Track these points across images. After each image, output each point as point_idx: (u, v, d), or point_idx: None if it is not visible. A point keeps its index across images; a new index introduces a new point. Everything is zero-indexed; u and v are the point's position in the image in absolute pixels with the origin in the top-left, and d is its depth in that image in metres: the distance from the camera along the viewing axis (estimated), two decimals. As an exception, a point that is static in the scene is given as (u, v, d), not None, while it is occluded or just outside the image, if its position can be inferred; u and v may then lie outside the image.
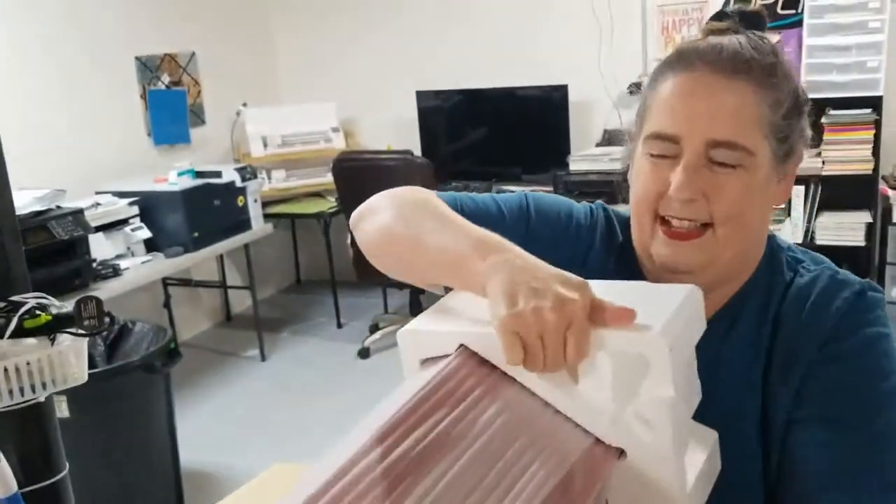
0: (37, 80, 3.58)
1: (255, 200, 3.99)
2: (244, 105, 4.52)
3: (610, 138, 4.19)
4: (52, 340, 0.90)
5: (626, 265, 0.93)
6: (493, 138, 4.42)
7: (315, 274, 5.14)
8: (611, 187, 3.88)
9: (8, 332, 0.87)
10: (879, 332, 0.84)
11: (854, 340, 0.83)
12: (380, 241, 0.84)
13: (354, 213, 0.90)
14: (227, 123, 4.61)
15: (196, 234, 3.64)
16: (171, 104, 4.29)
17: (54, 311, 0.90)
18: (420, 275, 0.80)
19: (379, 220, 0.85)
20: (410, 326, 0.70)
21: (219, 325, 4.70)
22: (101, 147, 3.88)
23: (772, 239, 0.92)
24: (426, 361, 0.69)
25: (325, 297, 4.66)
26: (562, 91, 4.15)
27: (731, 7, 0.89)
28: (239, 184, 3.86)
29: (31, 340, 0.89)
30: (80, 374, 0.92)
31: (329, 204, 4.35)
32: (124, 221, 3.53)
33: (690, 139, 0.81)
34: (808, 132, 0.89)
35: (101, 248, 3.35)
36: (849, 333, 0.83)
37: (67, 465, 0.99)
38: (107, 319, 0.86)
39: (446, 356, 0.67)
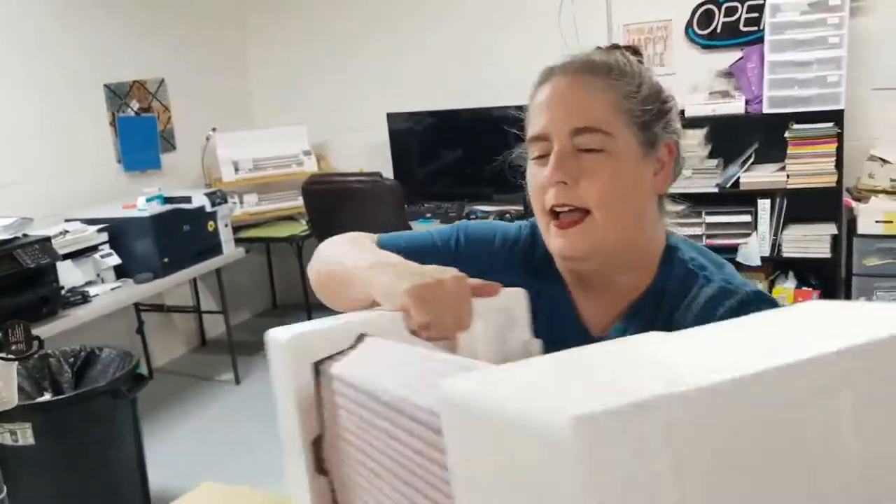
0: (5, 107, 3.57)
1: (226, 225, 3.99)
2: (213, 130, 4.52)
3: (580, 156, 4.24)
4: (-13, 363, 0.90)
5: (548, 271, 1.01)
6: (465, 159, 4.45)
7: (291, 297, 5.13)
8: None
9: (-61, 354, 0.87)
10: None
11: None
12: (315, 284, 0.98)
13: (309, 266, 1.02)
14: (199, 149, 4.61)
15: (166, 260, 3.63)
16: (141, 130, 4.29)
17: (-13, 333, 0.90)
18: (346, 302, 0.87)
19: (318, 260, 0.99)
20: (295, 331, 0.71)
21: (194, 349, 4.67)
22: (71, 174, 3.87)
23: (672, 250, 0.98)
24: (322, 362, 0.69)
25: (300, 319, 4.59)
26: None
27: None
28: (209, 209, 3.85)
29: (-38, 363, 0.89)
30: (9, 398, 0.91)
31: (301, 227, 4.35)
32: (93, 248, 3.51)
33: (556, 133, 0.91)
34: (677, 126, 0.97)
35: (70, 275, 3.33)
36: None
37: (5, 488, 0.98)
38: (35, 343, 0.84)
39: (343, 351, 0.69)
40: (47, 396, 2.71)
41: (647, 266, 0.97)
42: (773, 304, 0.94)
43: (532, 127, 0.94)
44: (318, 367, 0.69)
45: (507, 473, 0.43)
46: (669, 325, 0.93)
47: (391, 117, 4.51)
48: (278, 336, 0.72)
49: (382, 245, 0.99)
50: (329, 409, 0.69)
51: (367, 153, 4.67)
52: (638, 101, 0.92)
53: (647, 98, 0.93)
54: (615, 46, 0.99)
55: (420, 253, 0.95)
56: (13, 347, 0.89)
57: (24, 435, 2.33)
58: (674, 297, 0.95)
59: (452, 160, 4.49)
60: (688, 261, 0.97)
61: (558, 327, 0.94)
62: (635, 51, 0.99)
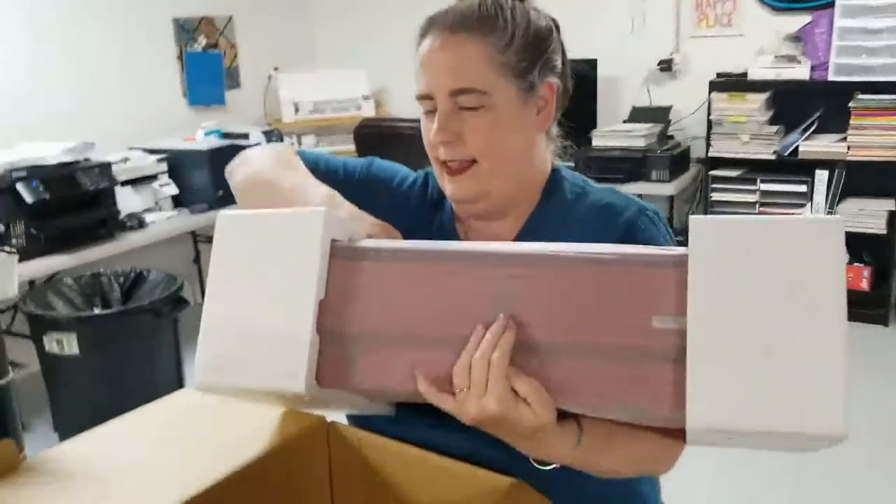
0: (78, 39, 3.73)
1: (281, 163, 4.09)
2: (275, 69, 4.61)
3: (638, 115, 4.17)
4: (-13, 256, 0.99)
5: (441, 210, 1.09)
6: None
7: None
8: (633, 164, 3.88)
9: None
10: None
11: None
12: (245, 186, 1.05)
13: (229, 165, 1.12)
14: (262, 87, 4.72)
15: (220, 193, 3.76)
16: (207, 66, 4.41)
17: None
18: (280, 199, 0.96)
19: (247, 168, 1.07)
20: (321, 210, 0.83)
21: (247, 283, 4.84)
22: (138, 105, 4.02)
23: (557, 171, 1.05)
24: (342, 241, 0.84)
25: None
26: (591, 66, 4.14)
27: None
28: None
29: (-36, 253, 0.98)
30: (8, 288, 1.00)
31: (355, 170, 4.43)
32: (153, 177, 3.67)
33: (438, 93, 0.95)
34: (557, 63, 1.00)
35: (128, 200, 3.49)
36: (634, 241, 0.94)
37: (11, 372, 1.08)
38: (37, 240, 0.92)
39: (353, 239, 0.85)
40: (96, 311, 2.88)
41: (533, 195, 1.03)
42: (661, 221, 1.00)
43: (418, 86, 0.98)
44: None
45: None
46: (554, 238, 0.98)
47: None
48: (310, 211, 0.83)
49: (302, 157, 1.08)
50: (346, 277, 0.81)
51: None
52: (512, 52, 0.95)
53: (521, 47, 0.96)
54: None
55: (329, 175, 1.06)
56: (13, 242, 0.97)
57: (70, 345, 2.50)
58: (558, 214, 1.01)
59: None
60: (567, 178, 1.04)
61: None
62: None
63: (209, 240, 4.35)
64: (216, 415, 0.98)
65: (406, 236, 0.93)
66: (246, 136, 3.92)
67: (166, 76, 4.22)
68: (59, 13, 3.65)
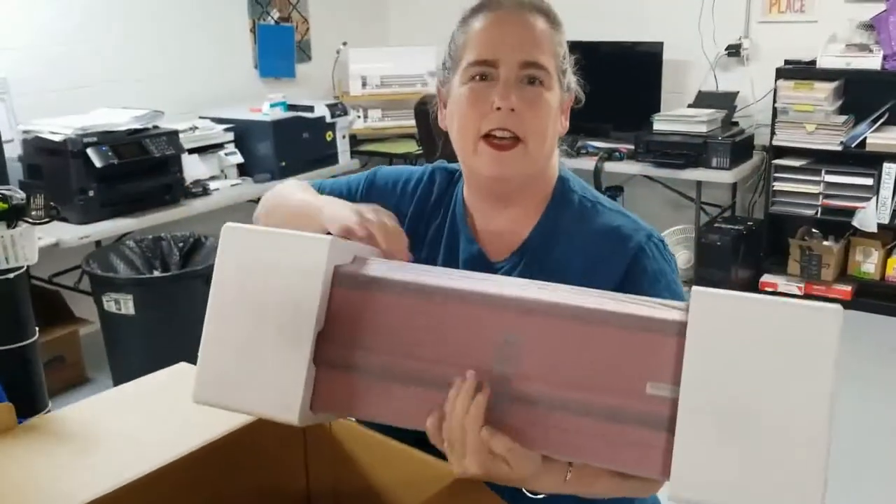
0: (156, 11, 3.89)
1: (344, 136, 4.19)
2: (344, 44, 4.70)
3: (704, 100, 4.08)
4: (10, 225, 1.10)
5: (448, 204, 1.11)
6: (591, 93, 4.36)
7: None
8: (693, 149, 3.80)
9: (-29, 217, 1.07)
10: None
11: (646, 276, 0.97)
12: (260, 211, 1.17)
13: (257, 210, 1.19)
14: (331, 61, 4.81)
15: (283, 163, 3.89)
16: (278, 39, 4.53)
17: (14, 202, 1.09)
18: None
19: (263, 202, 1.18)
20: (326, 238, 0.84)
21: (309, 251, 4.99)
22: (210, 75, 4.17)
23: (564, 181, 1.07)
24: (345, 265, 0.84)
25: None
26: (657, 48, 4.06)
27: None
28: (329, 119, 4.06)
29: (-9, 225, 1.09)
30: (30, 255, 1.11)
31: (417, 146, 4.49)
32: (220, 146, 3.82)
33: (507, 61, 0.97)
34: (574, 80, 1.07)
35: (195, 168, 3.64)
36: (641, 269, 0.97)
37: (37, 332, 1.19)
38: (53, 212, 1.02)
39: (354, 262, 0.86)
40: (156, 274, 3.05)
41: (543, 195, 1.06)
42: (667, 250, 1.01)
43: (475, 52, 0.99)
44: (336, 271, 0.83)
45: None
46: (560, 258, 1.02)
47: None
48: (315, 238, 0.83)
49: (317, 187, 1.15)
50: (348, 306, 0.81)
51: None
52: (563, 51, 1.03)
53: (566, 52, 1.05)
54: None
55: (338, 195, 1.11)
56: (34, 213, 1.08)
57: (126, 305, 2.66)
58: (566, 230, 1.03)
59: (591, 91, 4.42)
60: (577, 192, 1.06)
61: (462, 252, 1.06)
62: None
63: (272, 208, 4.51)
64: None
65: (416, 233, 1.00)
66: (311, 109, 4.03)
67: (239, 48, 4.35)
68: (137, -14, 3.81)
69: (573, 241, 1.02)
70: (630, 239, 0.99)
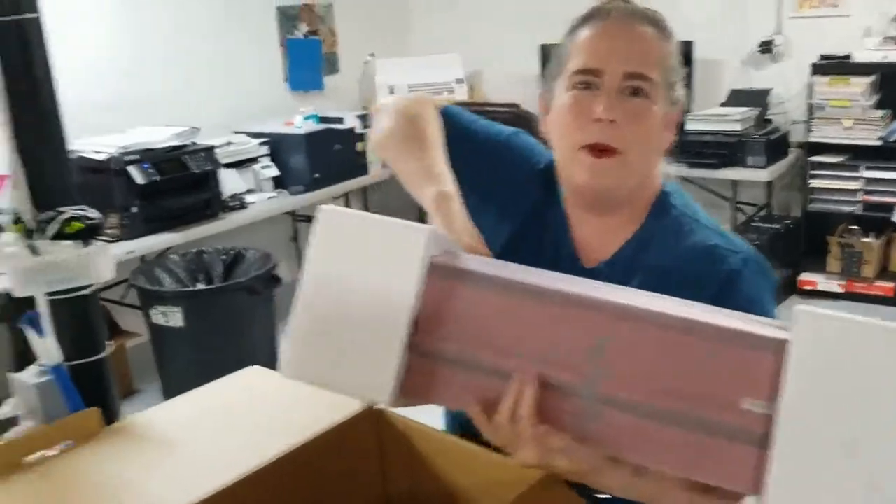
0: (186, 27, 3.95)
1: (375, 146, 4.21)
2: (371, 55, 4.73)
3: (737, 98, 4.06)
4: (86, 244, 1.12)
5: (554, 200, 1.09)
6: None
7: (437, 220, 5.34)
8: (728, 148, 3.79)
9: (49, 235, 1.10)
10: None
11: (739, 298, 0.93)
12: (377, 144, 1.12)
13: (377, 102, 1.16)
14: (359, 72, 4.85)
15: (317, 175, 3.92)
16: (307, 52, 4.57)
17: (88, 221, 1.12)
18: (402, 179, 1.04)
19: (382, 125, 1.10)
20: (425, 228, 0.84)
21: (343, 261, 5.02)
22: (242, 91, 4.22)
23: (665, 194, 1.05)
24: (438, 256, 0.84)
25: (441, 242, 4.85)
26: (687, 47, 4.05)
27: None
28: (359, 130, 4.10)
29: (67, 243, 1.11)
30: (105, 272, 1.13)
31: (447, 153, 4.51)
32: (255, 160, 3.86)
33: (612, 70, 0.96)
34: (682, 94, 1.03)
35: (232, 182, 3.69)
36: (734, 293, 0.94)
37: (108, 347, 1.22)
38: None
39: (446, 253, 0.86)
40: (200, 286, 3.08)
41: (642, 206, 1.04)
42: (764, 274, 0.99)
43: (580, 60, 0.98)
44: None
45: None
46: (653, 270, 1.00)
47: (545, 49, 4.51)
48: (413, 227, 0.83)
49: (446, 114, 1.11)
50: (440, 296, 0.82)
51: (517, 85, 4.71)
52: (672, 62, 1.00)
53: (676, 64, 1.02)
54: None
55: (465, 136, 1.09)
56: (109, 231, 1.10)
57: (174, 317, 2.70)
58: (662, 242, 1.02)
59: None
60: (678, 206, 1.04)
61: (556, 250, 1.06)
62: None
63: (307, 219, 4.56)
64: (277, 395, 1.07)
65: (519, 222, 1.02)
66: (341, 121, 4.06)
67: (269, 62, 4.40)
68: (170, 8, 3.87)
69: (667, 256, 1.00)
70: (724, 260, 0.98)
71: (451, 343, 0.82)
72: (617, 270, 1.01)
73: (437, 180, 0.99)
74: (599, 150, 0.96)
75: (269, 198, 3.85)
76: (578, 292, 0.79)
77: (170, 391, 2.97)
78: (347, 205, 4.73)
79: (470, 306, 0.82)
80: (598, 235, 1.05)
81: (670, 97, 1.00)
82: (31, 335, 1.13)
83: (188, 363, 2.79)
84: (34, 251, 1.10)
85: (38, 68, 1.14)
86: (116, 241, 1.00)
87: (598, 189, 1.00)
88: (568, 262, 1.05)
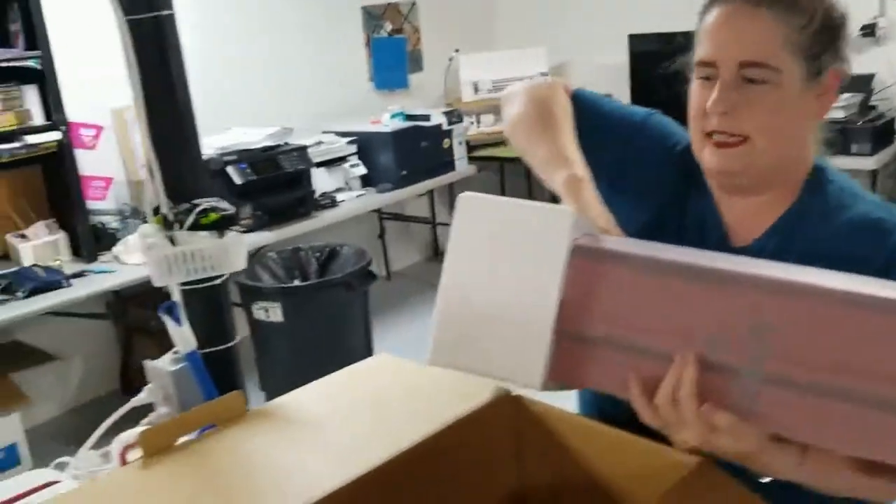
0: (276, 29, 4.03)
1: (461, 143, 4.22)
2: (456, 51, 4.74)
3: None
4: (221, 235, 1.15)
5: (699, 180, 1.06)
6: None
7: (520, 216, 5.32)
8: (831, 136, 3.63)
9: (186, 226, 1.13)
10: None
11: None
12: (507, 131, 1.10)
13: (503, 93, 1.15)
14: (443, 69, 4.86)
15: (404, 172, 3.95)
16: (391, 51, 4.61)
17: (222, 212, 1.14)
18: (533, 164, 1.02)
19: (510, 111, 1.10)
20: (569, 210, 0.85)
21: (427, 258, 5.05)
22: (329, 91, 4.29)
23: (820, 171, 1.00)
24: (581, 238, 0.84)
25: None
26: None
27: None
28: (445, 126, 4.10)
29: (203, 234, 1.14)
30: (239, 262, 1.16)
31: (533, 148, 4.47)
32: (343, 158, 3.92)
33: (724, 62, 0.94)
34: (845, 50, 0.98)
35: (322, 180, 3.75)
36: None
37: (238, 337, 1.24)
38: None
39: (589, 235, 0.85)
40: (296, 283, 3.14)
41: (794, 184, 1.00)
42: None
43: (699, 50, 0.97)
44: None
45: None
46: (810, 245, 0.96)
47: (633, 39, 4.43)
48: (557, 209, 0.84)
49: (578, 97, 1.09)
50: (585, 277, 0.82)
51: (604, 76, 4.64)
52: (808, 33, 0.93)
53: (819, 30, 0.94)
54: None
55: (598, 118, 1.07)
56: (243, 222, 1.13)
57: (275, 312, 2.75)
58: (819, 217, 0.97)
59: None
60: (835, 182, 0.99)
61: (701, 233, 1.02)
62: None
63: (394, 217, 4.60)
64: (409, 382, 1.07)
65: (656, 206, 0.99)
66: (427, 118, 4.08)
67: (355, 62, 4.45)
68: (263, 12, 3.95)
69: (825, 231, 0.96)
70: (891, 233, 0.93)
71: (601, 325, 0.82)
72: (770, 248, 0.98)
73: (568, 164, 0.98)
74: (721, 142, 0.95)
75: (357, 196, 3.89)
76: (736, 269, 0.77)
77: (266, 384, 3.03)
78: (431, 202, 4.76)
79: (620, 287, 0.81)
80: (747, 216, 1.01)
81: (813, 68, 0.94)
82: (168, 323, 1.16)
83: (286, 357, 2.85)
84: (173, 241, 1.13)
85: (174, 64, 1.17)
86: (251, 231, 1.03)
87: (726, 175, 0.98)
88: (716, 243, 1.02)
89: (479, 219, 0.88)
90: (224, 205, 1.17)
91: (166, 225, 1.12)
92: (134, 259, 2.99)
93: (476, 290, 0.86)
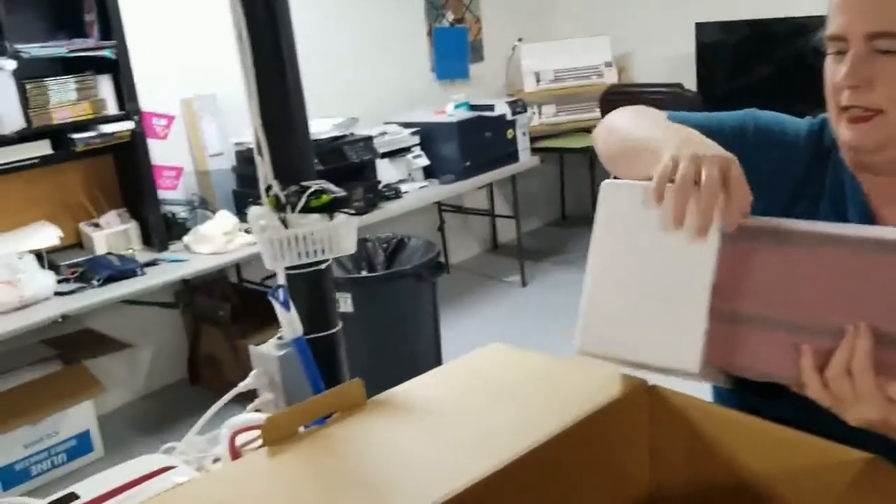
0: (339, 21, 4.01)
1: (524, 134, 4.16)
2: (519, 41, 4.67)
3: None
4: (331, 217, 1.11)
5: (835, 159, 1.02)
6: (778, 75, 4.13)
7: (580, 209, 5.24)
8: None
9: (298, 208, 1.09)
10: None
11: None
12: (604, 154, 1.05)
13: (594, 132, 1.10)
14: (504, 59, 4.81)
15: (467, 164, 3.90)
16: (453, 41, 4.57)
17: (333, 194, 1.11)
18: (634, 174, 0.93)
19: (603, 129, 1.07)
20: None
21: (487, 250, 5.01)
22: (392, 81, 4.26)
23: None
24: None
25: (586, 233, 4.73)
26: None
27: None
28: (509, 117, 4.05)
29: (314, 216, 1.10)
30: (349, 245, 1.12)
31: (596, 139, 4.40)
32: (407, 149, 3.89)
33: (853, 34, 0.90)
34: None
35: (386, 172, 3.73)
36: None
37: (340, 323, 1.21)
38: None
39: None
40: (364, 273, 3.12)
41: None
42: None
43: (829, 25, 0.94)
44: None
45: None
46: None
47: (700, 27, 4.32)
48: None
49: (671, 119, 1.04)
50: (735, 257, 0.80)
51: (670, 65, 4.54)
52: None
53: None
54: None
55: (706, 135, 0.98)
56: (355, 204, 1.09)
57: (346, 303, 2.73)
58: None
59: (763, 76, 4.21)
60: None
61: (844, 212, 0.98)
62: None
63: (455, 209, 4.56)
64: (529, 371, 1.02)
65: (793, 189, 0.95)
66: (491, 108, 4.03)
67: (416, 52, 4.42)
68: (324, 4, 3.95)
69: None
70: None
71: (757, 305, 0.80)
72: None
73: (674, 131, 0.93)
74: (855, 117, 0.92)
75: (421, 187, 3.86)
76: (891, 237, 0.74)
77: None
78: (491, 194, 4.70)
79: (773, 265, 0.79)
80: (892, 194, 0.96)
81: None
82: (277, 308, 1.13)
83: (357, 347, 2.81)
84: (285, 224, 1.10)
85: (285, 42, 1.14)
86: (363, 213, 1.00)
87: (862, 151, 0.94)
88: (862, 219, 0.97)
89: (623, 205, 0.87)
90: (333, 187, 1.13)
91: (278, 207, 1.09)
92: (204, 248, 3.00)
93: (625, 277, 0.85)
